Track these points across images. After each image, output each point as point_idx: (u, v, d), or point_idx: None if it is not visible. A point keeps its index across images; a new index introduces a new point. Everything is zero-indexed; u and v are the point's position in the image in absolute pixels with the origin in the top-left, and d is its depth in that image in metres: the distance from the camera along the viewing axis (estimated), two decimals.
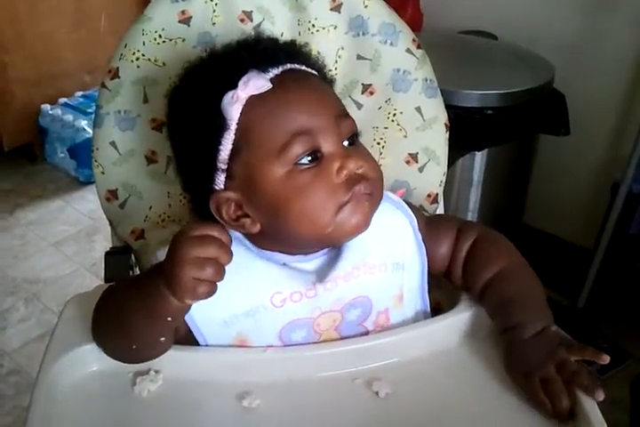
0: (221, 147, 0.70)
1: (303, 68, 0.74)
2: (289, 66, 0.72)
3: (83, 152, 2.51)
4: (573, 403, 0.67)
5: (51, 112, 2.57)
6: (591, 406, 0.67)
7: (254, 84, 0.69)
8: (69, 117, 2.52)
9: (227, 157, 0.71)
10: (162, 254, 0.74)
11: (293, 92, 0.70)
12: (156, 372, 0.73)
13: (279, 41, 0.77)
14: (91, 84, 2.69)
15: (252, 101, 0.69)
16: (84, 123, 2.50)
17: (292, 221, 0.70)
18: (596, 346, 1.86)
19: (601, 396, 0.66)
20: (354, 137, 0.74)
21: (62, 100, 2.61)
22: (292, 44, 0.78)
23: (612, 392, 1.61)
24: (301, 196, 0.69)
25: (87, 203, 2.48)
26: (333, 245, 0.77)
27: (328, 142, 0.70)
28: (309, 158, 0.70)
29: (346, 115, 0.74)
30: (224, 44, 0.76)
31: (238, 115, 0.69)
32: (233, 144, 0.70)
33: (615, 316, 1.86)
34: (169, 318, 0.67)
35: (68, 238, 2.30)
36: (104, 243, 2.26)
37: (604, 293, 1.84)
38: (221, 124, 0.70)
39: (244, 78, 0.69)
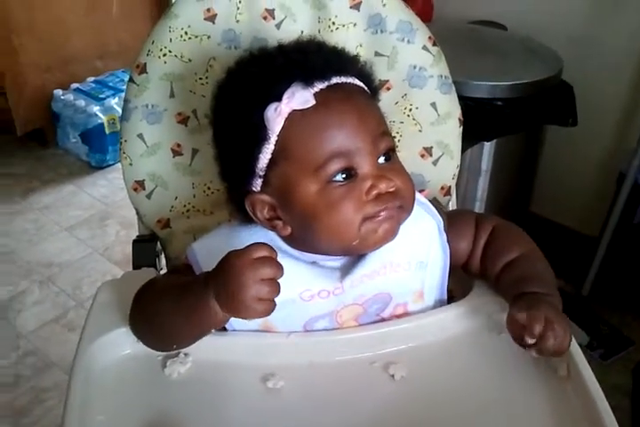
0: (260, 156, 0.72)
1: (349, 80, 0.74)
2: (335, 80, 0.72)
3: (94, 137, 2.55)
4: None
5: (63, 97, 2.59)
6: (584, 366, 0.73)
7: (298, 98, 0.69)
8: (81, 103, 2.54)
9: (265, 165, 0.73)
10: (199, 249, 0.78)
11: (335, 113, 0.71)
12: (186, 355, 0.77)
13: (328, 50, 0.77)
14: (102, 70, 2.71)
15: (295, 116, 0.70)
16: (95, 108, 2.53)
17: (321, 233, 0.73)
18: (599, 333, 1.90)
19: (534, 353, 0.71)
20: (389, 153, 0.75)
21: (74, 85, 2.63)
22: (340, 54, 0.77)
23: (614, 378, 1.67)
24: (331, 210, 0.71)
25: (99, 188, 2.51)
26: (360, 254, 0.79)
27: (364, 163, 0.71)
28: (344, 176, 0.71)
29: (384, 133, 0.75)
30: (274, 46, 0.77)
31: (280, 128, 0.71)
32: (271, 155, 0.72)
33: (619, 304, 1.89)
34: (214, 329, 0.72)
35: (81, 223, 2.33)
36: (116, 227, 2.30)
37: (609, 281, 1.87)
38: (262, 135, 0.71)
39: (289, 92, 0.69)
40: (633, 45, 1.74)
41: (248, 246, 0.66)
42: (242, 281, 0.65)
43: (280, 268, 0.66)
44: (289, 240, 0.78)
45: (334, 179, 0.71)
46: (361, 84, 0.76)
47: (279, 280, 0.67)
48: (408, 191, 0.75)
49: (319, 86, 0.71)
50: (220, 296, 0.67)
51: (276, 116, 0.70)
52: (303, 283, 0.77)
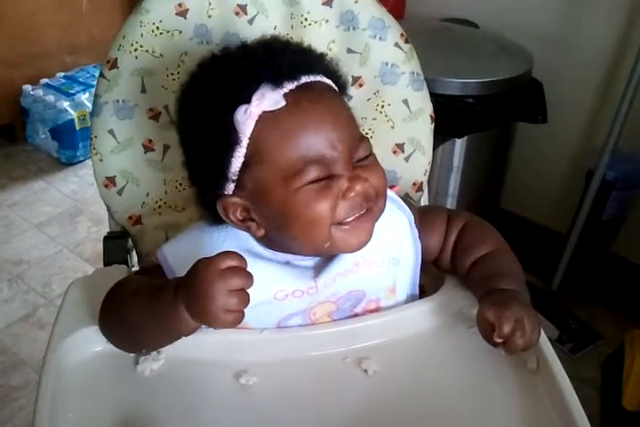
0: (233, 160, 0.70)
1: (318, 79, 0.73)
2: (304, 80, 0.71)
3: (65, 133, 2.52)
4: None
5: (32, 93, 2.55)
6: (553, 360, 0.74)
7: (268, 100, 0.68)
8: (51, 98, 2.51)
9: (237, 169, 0.71)
10: (170, 254, 0.78)
11: (308, 115, 0.69)
12: (158, 352, 0.77)
13: (295, 49, 0.75)
14: (72, 65, 2.69)
15: (265, 118, 0.68)
16: (65, 104, 2.50)
17: (295, 234, 0.72)
18: (568, 327, 1.92)
19: (502, 351, 0.71)
20: (366, 156, 0.74)
21: (44, 80, 2.60)
22: (307, 52, 0.76)
23: (583, 371, 1.70)
24: (306, 212, 0.70)
25: (69, 184, 2.48)
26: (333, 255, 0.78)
27: (340, 168, 0.70)
28: (320, 179, 0.70)
29: (360, 138, 0.74)
30: (237, 46, 0.75)
31: (251, 131, 0.69)
32: (244, 158, 0.70)
33: (588, 298, 1.92)
34: (184, 336, 0.71)
35: (51, 220, 2.31)
36: (87, 224, 2.28)
37: (577, 276, 1.89)
38: (233, 139, 0.69)
39: (258, 94, 0.68)
40: (603, 44, 1.76)
41: (217, 255, 0.65)
42: (211, 292, 0.63)
43: (250, 277, 0.65)
44: (262, 241, 0.77)
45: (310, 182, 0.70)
46: (329, 81, 0.75)
47: (256, 284, 0.66)
48: (382, 188, 0.75)
49: (289, 87, 0.69)
50: (190, 306, 0.66)
51: (247, 119, 0.68)
52: (277, 284, 0.77)
